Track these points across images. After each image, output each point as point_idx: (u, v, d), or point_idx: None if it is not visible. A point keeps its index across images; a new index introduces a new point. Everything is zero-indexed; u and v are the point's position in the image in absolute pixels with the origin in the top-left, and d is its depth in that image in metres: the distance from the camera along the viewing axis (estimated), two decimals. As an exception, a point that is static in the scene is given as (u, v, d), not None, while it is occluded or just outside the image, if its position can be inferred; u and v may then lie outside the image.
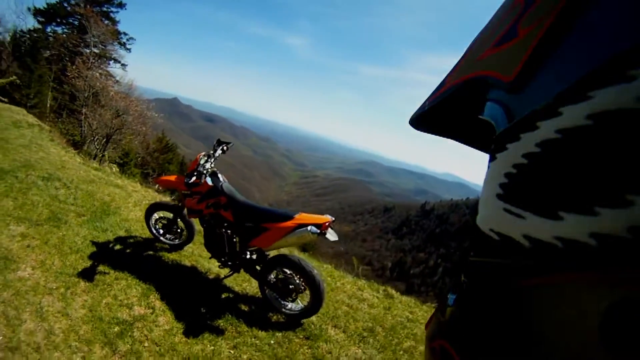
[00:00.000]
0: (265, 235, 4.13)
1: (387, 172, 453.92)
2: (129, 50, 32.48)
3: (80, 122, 22.28)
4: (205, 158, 4.66)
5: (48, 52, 28.23)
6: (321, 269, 6.07)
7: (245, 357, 3.53)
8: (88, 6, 28.79)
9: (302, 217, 4.00)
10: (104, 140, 22.02)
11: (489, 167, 0.58)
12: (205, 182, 4.47)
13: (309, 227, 3.90)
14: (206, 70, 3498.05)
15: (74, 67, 22.66)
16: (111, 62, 30.69)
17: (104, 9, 31.57)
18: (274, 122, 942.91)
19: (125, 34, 32.22)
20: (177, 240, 5.43)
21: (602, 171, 0.36)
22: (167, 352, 3.37)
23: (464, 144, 0.92)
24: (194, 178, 4.39)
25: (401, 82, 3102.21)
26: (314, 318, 4.32)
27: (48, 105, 23.49)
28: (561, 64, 0.44)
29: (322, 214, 4.02)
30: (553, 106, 0.42)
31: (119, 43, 31.84)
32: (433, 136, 0.96)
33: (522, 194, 0.46)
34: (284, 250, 5.81)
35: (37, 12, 29.45)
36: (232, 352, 3.57)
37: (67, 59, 24.93)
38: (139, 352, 3.28)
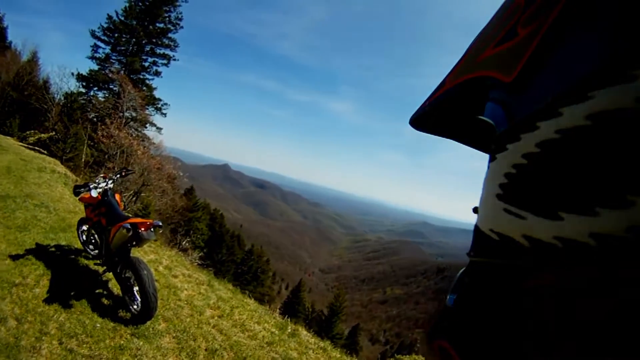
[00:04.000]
0: (110, 235, 4.78)
1: (438, 231, 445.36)
2: (164, 115, 34.58)
3: (112, 178, 23.57)
4: (104, 179, 5.60)
5: (92, 114, 30.72)
6: (243, 305, 6.73)
7: (68, 325, 4.18)
8: (123, 72, 31.11)
9: (132, 219, 4.66)
10: (134, 195, 23.22)
11: (488, 167, 0.59)
12: (91, 195, 5.27)
13: (123, 225, 4.50)
14: (255, 137, 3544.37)
15: (103, 127, 24.52)
16: (147, 125, 32.50)
17: (141, 76, 34.00)
18: (322, 186, 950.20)
19: (160, 99, 34.26)
20: (95, 252, 5.91)
21: (603, 171, 0.36)
22: (21, 303, 4.34)
23: (464, 144, 0.92)
24: (81, 189, 5.27)
25: (448, 140, 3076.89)
26: (162, 325, 4.82)
27: (83, 159, 25.28)
28: (561, 64, 0.44)
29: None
30: (553, 106, 0.42)
31: (156, 108, 33.95)
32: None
33: (522, 194, 0.46)
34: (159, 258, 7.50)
35: (79, 77, 31.90)
36: (63, 320, 4.27)
37: (107, 120, 26.67)
38: (4, 297, 4.35)
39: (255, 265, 51.64)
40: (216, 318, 5.60)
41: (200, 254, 29.06)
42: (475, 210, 0.66)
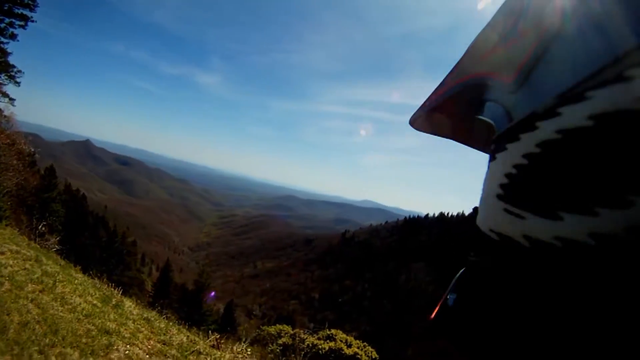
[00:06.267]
0: None
1: (305, 205, 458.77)
2: (18, 84, 31.16)
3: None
4: None
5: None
6: (70, 279, 6.88)
7: None
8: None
9: None
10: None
11: (488, 167, 0.59)
12: None
13: None
14: (119, 111, 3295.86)
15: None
16: (-1, 96, 29.31)
17: (-6, 38, 30.11)
18: (189, 162, 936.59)
19: (14, 66, 30.71)
20: None
21: (602, 171, 0.36)
22: None
23: (464, 144, 0.91)
24: None
25: (313, 115, 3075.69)
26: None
27: None
28: (561, 64, 0.45)
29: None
30: (553, 107, 0.43)
31: (8, 76, 30.45)
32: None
33: (522, 194, 0.47)
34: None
35: None
36: None
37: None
38: None
39: (120, 248, 49.42)
40: (37, 292, 5.63)
41: (58, 238, 27.06)
42: (475, 210, 0.65)
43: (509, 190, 0.50)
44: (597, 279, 0.37)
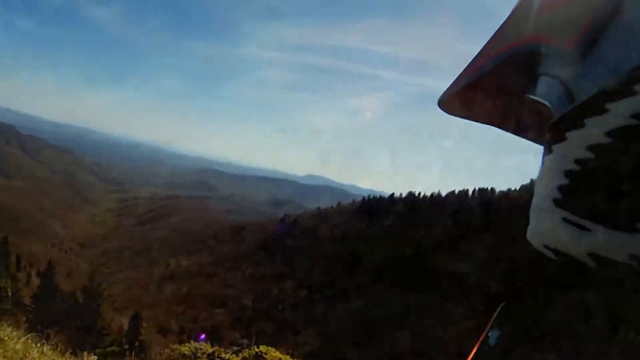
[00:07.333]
0: None
1: (233, 182, 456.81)
2: None
3: None
4: None
5: None
6: None
7: None
8: None
9: None
10: None
11: (543, 162, 0.55)
12: None
13: None
14: None
15: None
16: None
17: None
18: (75, 126, 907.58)
19: None
20: None
21: None
22: None
23: (507, 131, 0.91)
24: None
25: (245, 63, 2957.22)
26: None
27: None
28: (636, 29, 0.42)
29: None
30: (627, 83, 0.40)
31: None
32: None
33: (587, 199, 0.44)
34: None
35: None
36: None
37: None
38: None
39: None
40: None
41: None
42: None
43: (570, 193, 0.47)
44: None
